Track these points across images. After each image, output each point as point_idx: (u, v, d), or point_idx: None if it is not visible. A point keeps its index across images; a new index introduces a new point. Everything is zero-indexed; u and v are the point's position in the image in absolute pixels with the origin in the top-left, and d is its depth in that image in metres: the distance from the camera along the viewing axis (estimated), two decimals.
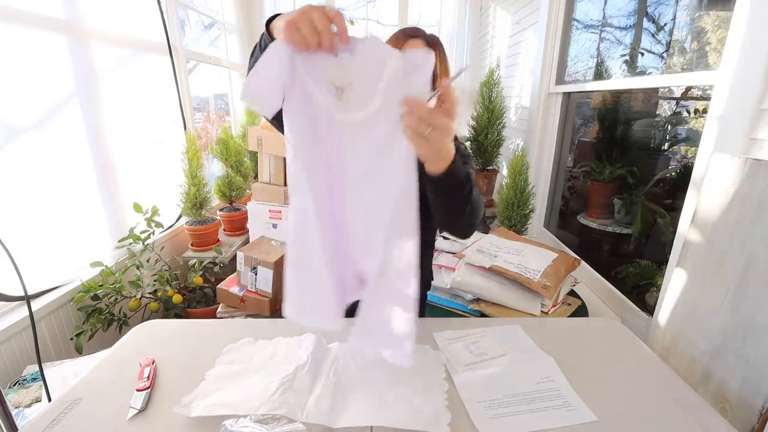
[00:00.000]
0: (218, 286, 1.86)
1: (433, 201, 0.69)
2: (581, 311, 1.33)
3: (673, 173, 1.82)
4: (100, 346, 1.43)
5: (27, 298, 1.00)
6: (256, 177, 2.41)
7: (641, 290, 1.50)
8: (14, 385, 1.15)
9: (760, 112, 0.85)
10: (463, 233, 0.79)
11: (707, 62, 1.39)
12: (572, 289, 1.41)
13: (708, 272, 0.83)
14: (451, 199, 0.68)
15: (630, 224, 1.83)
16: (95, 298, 1.47)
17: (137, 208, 1.71)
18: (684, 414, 0.60)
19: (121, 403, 0.61)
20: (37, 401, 1.09)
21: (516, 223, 2.10)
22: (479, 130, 2.59)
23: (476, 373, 0.68)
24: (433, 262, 1.40)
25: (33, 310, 1.06)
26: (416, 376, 0.66)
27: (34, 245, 1.35)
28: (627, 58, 1.81)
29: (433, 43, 0.89)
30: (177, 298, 1.73)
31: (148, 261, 1.69)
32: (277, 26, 0.58)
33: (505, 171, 2.60)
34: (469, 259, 1.35)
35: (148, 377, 0.66)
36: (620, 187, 1.92)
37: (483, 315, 1.26)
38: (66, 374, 1.18)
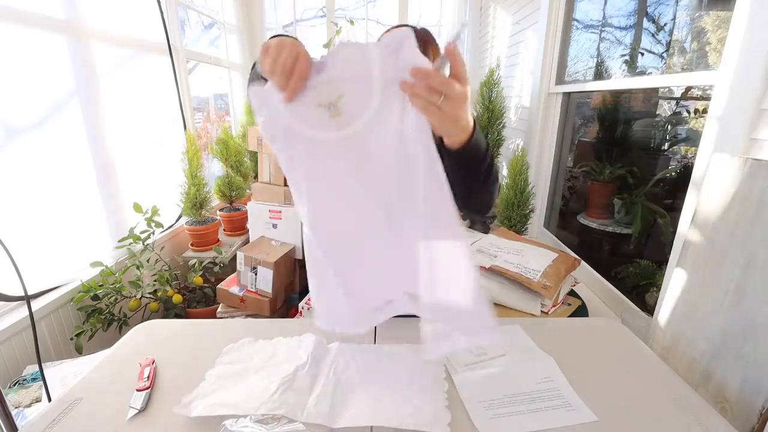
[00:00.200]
0: (218, 286, 1.86)
1: (454, 177, 0.64)
2: (581, 311, 1.33)
3: (673, 173, 1.82)
4: (100, 346, 1.43)
5: (27, 298, 1.00)
6: (256, 177, 2.41)
7: (641, 290, 1.50)
8: (14, 385, 1.15)
9: (760, 112, 0.85)
10: (485, 208, 0.75)
11: (707, 62, 1.39)
12: (572, 289, 1.41)
13: (708, 272, 0.83)
14: (474, 173, 0.65)
15: (630, 224, 1.83)
16: (95, 298, 1.47)
17: (137, 208, 1.71)
18: (684, 414, 0.60)
19: (121, 403, 0.61)
20: (37, 401, 1.09)
21: (516, 223, 2.10)
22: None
23: (476, 373, 0.68)
24: None
25: (33, 310, 1.06)
26: (416, 376, 0.66)
27: (34, 245, 1.35)
28: (627, 58, 1.81)
29: (424, 38, 0.86)
30: (177, 298, 1.73)
31: (148, 261, 1.69)
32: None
33: (505, 171, 2.59)
34: None
35: (148, 377, 0.66)
36: (620, 187, 1.92)
37: None
38: (66, 374, 1.18)
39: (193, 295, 1.93)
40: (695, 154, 1.07)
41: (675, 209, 1.55)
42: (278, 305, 1.85)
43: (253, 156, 2.67)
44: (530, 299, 1.23)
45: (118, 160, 1.77)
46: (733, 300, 0.76)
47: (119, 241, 1.66)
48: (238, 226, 2.45)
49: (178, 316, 1.77)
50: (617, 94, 2.01)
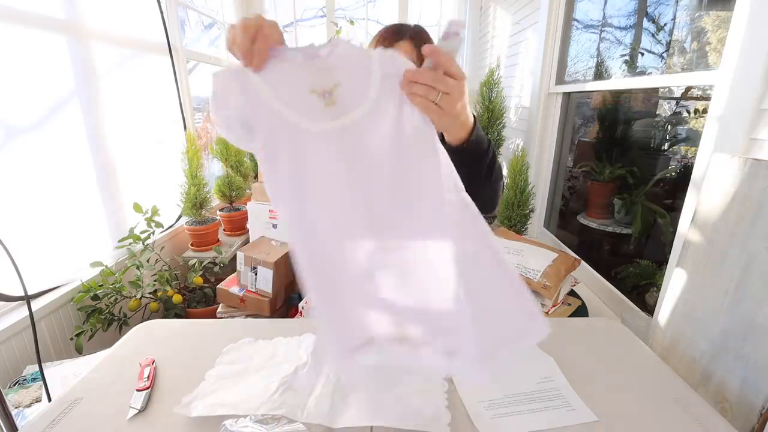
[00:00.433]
0: (218, 286, 1.86)
1: (457, 174, 0.66)
2: (581, 311, 1.33)
3: (673, 173, 1.82)
4: (100, 346, 1.43)
5: (27, 298, 1.00)
6: (256, 177, 2.41)
7: (641, 290, 1.50)
8: (14, 385, 1.14)
9: (760, 112, 0.85)
10: (489, 206, 0.74)
11: (707, 62, 1.39)
12: (572, 289, 1.42)
13: (708, 272, 0.83)
14: (476, 169, 0.65)
15: (630, 224, 1.83)
16: (95, 298, 1.46)
17: (137, 208, 1.71)
18: (684, 414, 0.60)
19: (121, 403, 0.61)
20: (37, 401, 1.09)
21: (516, 223, 2.10)
22: None
23: None
24: None
25: (33, 310, 1.06)
26: (416, 376, 0.66)
27: (34, 245, 1.35)
28: (627, 58, 1.81)
29: (421, 40, 0.86)
30: (177, 298, 1.73)
31: (148, 261, 1.69)
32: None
33: (505, 171, 2.60)
34: None
35: (148, 377, 0.66)
36: (620, 187, 1.92)
37: None
38: (66, 374, 1.18)
39: (193, 295, 1.93)
40: (695, 154, 1.07)
41: (675, 209, 1.55)
42: (278, 305, 1.85)
43: (253, 156, 2.67)
44: None
45: (118, 160, 1.77)
46: (733, 300, 0.76)
47: (119, 241, 1.66)
48: (238, 226, 2.45)
49: (178, 316, 1.77)
50: (617, 94, 2.01)
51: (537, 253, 1.37)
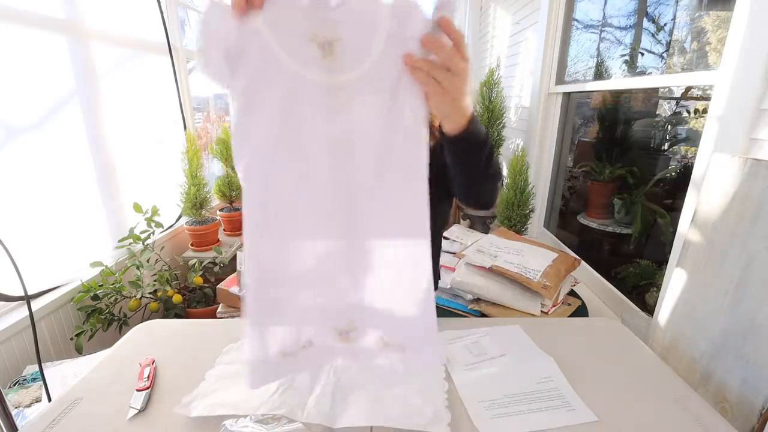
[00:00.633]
0: (218, 286, 1.86)
1: (454, 166, 0.63)
2: (581, 311, 1.33)
3: (673, 173, 1.82)
4: (100, 346, 1.43)
5: (27, 298, 1.00)
6: None
7: (641, 290, 1.50)
8: (14, 385, 1.14)
9: (760, 112, 0.85)
10: (487, 200, 0.73)
11: (707, 62, 1.39)
12: (572, 289, 1.41)
13: (708, 272, 0.83)
14: (473, 160, 0.63)
15: (630, 224, 1.83)
16: (95, 298, 1.46)
17: (137, 208, 1.71)
18: (684, 414, 0.60)
19: (121, 403, 0.61)
20: (37, 401, 1.09)
21: (516, 223, 2.10)
22: None
23: (476, 373, 0.68)
24: None
25: (33, 310, 1.06)
26: (416, 376, 0.66)
27: (34, 245, 1.35)
28: (627, 58, 1.81)
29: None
30: (177, 298, 1.73)
31: (148, 261, 1.69)
32: None
33: (505, 171, 2.60)
34: (469, 259, 1.34)
35: (148, 377, 0.66)
36: (620, 187, 1.92)
37: (483, 315, 1.26)
38: (66, 374, 1.18)
39: (193, 295, 1.93)
40: (695, 154, 1.07)
41: (675, 209, 1.55)
42: None
43: None
44: (530, 299, 1.23)
45: (118, 160, 1.77)
46: (733, 300, 0.76)
47: (119, 241, 1.66)
48: (238, 226, 2.45)
49: (178, 316, 1.77)
50: (617, 94, 2.01)
51: (537, 253, 1.37)
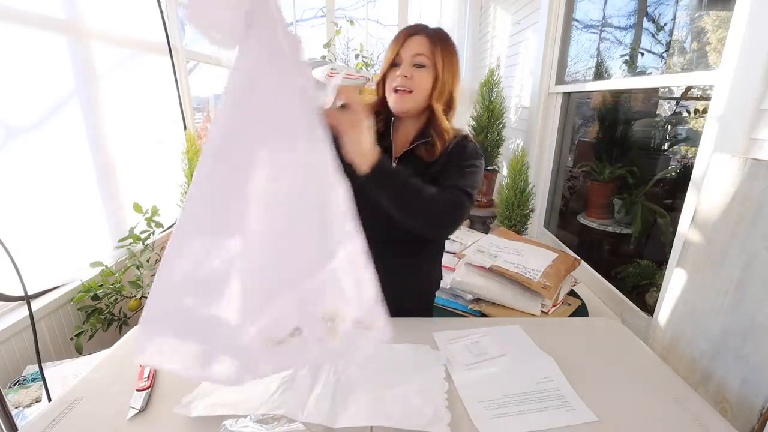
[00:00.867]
0: None
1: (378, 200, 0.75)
2: (581, 311, 1.33)
3: (673, 173, 1.82)
4: (100, 346, 1.43)
5: (27, 298, 1.00)
6: None
7: (641, 290, 1.50)
8: (14, 385, 1.14)
9: (760, 112, 0.85)
10: (422, 232, 0.80)
11: (707, 62, 1.39)
12: (572, 289, 1.42)
13: (708, 272, 0.83)
14: (386, 198, 0.74)
15: (630, 224, 1.83)
16: (95, 298, 1.46)
17: (137, 208, 1.71)
18: (684, 414, 0.60)
19: (121, 403, 0.61)
20: (37, 401, 1.09)
21: (516, 223, 2.10)
22: (479, 130, 2.60)
23: (476, 373, 0.68)
24: None
25: (33, 310, 1.06)
26: (416, 376, 0.66)
27: (34, 245, 1.34)
28: (627, 58, 1.81)
29: (438, 37, 0.86)
30: None
31: (148, 261, 1.69)
32: None
33: (505, 171, 2.60)
34: (469, 259, 1.35)
35: (148, 377, 0.66)
36: (620, 187, 1.92)
37: (483, 315, 1.26)
38: (66, 374, 1.17)
39: None
40: (695, 154, 1.07)
41: (675, 209, 1.55)
42: None
43: None
44: (530, 299, 1.23)
45: (118, 160, 1.77)
46: (733, 300, 0.76)
47: (119, 241, 1.66)
48: None
49: None
50: (617, 94, 2.01)
51: (537, 253, 1.37)
